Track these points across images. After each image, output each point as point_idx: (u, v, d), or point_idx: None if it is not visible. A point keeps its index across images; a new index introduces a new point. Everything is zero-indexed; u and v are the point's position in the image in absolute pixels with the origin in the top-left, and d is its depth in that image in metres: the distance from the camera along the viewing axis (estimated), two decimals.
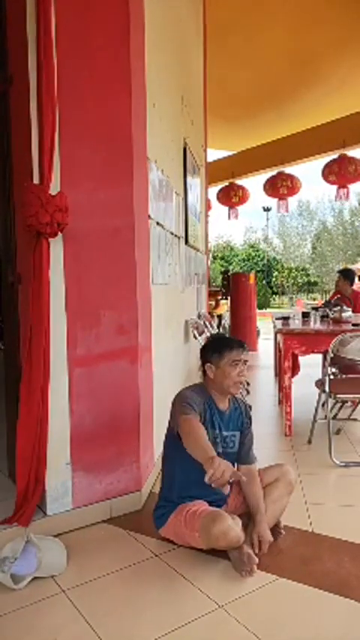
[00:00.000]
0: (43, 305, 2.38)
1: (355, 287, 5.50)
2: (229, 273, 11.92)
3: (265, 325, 10.84)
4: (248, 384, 5.22)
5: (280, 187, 10.27)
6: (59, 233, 2.41)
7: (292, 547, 2.40)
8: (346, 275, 5.45)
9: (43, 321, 2.38)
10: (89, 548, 2.41)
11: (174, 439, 2.33)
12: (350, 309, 4.74)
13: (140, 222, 2.82)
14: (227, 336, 2.46)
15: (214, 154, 11.56)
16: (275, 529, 2.44)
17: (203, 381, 2.46)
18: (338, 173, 9.22)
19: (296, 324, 4.57)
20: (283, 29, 6.90)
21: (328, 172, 9.39)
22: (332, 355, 3.61)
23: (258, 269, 35.89)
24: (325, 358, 4.11)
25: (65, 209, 2.39)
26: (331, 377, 3.79)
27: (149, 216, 3.12)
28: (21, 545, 2.15)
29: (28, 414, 2.39)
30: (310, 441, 3.90)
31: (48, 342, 2.42)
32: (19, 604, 2.00)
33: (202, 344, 2.58)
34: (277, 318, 4.99)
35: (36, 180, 2.37)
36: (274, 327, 4.94)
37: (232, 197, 11.68)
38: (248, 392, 5.26)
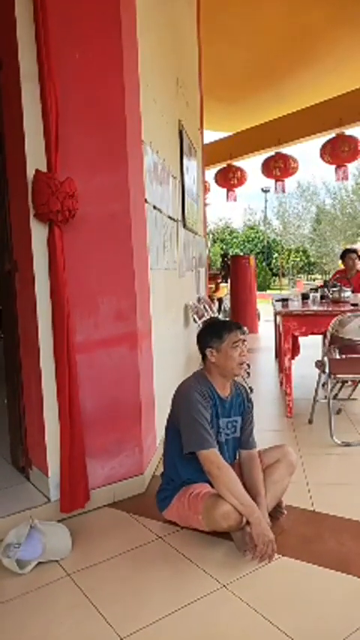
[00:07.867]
0: (60, 294, 2.39)
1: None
2: (228, 256, 11.87)
3: (266, 307, 10.82)
4: (249, 366, 5.23)
5: (276, 169, 10.19)
6: (69, 220, 2.39)
7: (293, 526, 2.42)
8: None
9: (63, 309, 2.39)
10: (93, 533, 2.44)
11: (174, 432, 2.34)
12: (349, 289, 4.72)
13: (137, 207, 2.80)
14: (221, 318, 2.43)
15: (210, 136, 11.46)
16: (277, 509, 2.46)
17: (204, 368, 2.45)
18: (332, 153, 9.16)
19: (295, 305, 4.57)
20: (279, 7, 6.77)
21: (323, 153, 9.35)
22: (331, 335, 3.61)
23: (257, 251, 35.74)
24: (325, 339, 4.11)
25: (74, 194, 2.36)
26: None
27: (146, 200, 3.09)
28: (26, 530, 2.17)
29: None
30: (310, 421, 3.92)
31: (59, 329, 2.44)
32: (25, 589, 2.03)
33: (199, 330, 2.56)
34: (276, 300, 4.98)
35: (43, 167, 2.34)
36: (274, 309, 4.94)
37: (230, 179, 11.58)
38: (249, 374, 5.27)
